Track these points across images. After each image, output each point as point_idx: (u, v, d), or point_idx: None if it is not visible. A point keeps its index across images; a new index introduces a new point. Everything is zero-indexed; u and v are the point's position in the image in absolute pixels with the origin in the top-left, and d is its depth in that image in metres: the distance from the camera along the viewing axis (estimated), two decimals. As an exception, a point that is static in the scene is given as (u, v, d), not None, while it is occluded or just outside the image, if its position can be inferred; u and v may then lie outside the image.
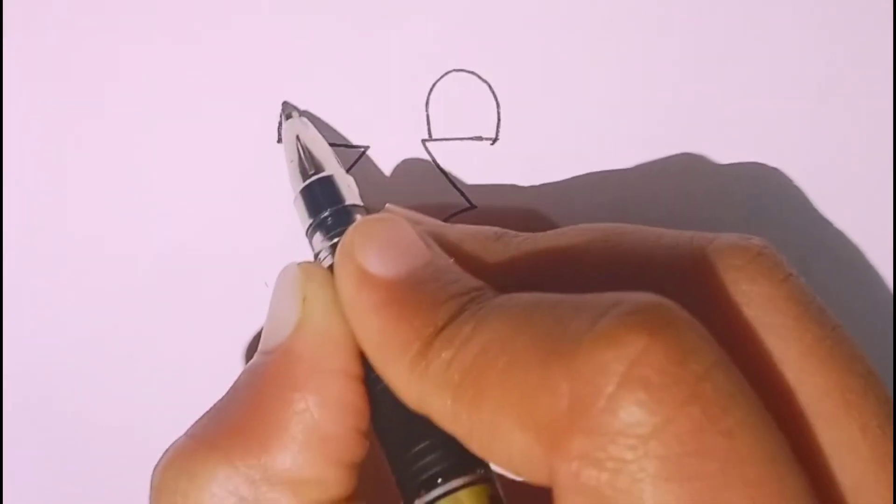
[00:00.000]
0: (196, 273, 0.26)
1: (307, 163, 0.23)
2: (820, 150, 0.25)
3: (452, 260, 0.19)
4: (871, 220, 0.25)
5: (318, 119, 0.25)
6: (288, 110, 0.24)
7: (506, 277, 0.19)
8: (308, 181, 0.23)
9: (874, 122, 0.25)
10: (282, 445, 0.18)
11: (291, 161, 0.23)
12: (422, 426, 0.18)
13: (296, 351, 0.19)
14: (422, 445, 0.18)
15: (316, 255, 0.22)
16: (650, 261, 0.19)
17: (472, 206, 0.26)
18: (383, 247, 0.19)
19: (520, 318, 0.16)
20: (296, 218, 0.25)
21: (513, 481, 0.18)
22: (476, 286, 0.18)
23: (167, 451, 0.19)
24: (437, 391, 0.17)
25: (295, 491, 0.18)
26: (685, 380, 0.15)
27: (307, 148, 0.23)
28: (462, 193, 0.26)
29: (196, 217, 0.26)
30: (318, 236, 0.22)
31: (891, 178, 0.25)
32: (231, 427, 0.19)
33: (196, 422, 0.19)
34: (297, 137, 0.23)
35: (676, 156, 0.25)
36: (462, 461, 0.18)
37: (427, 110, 0.25)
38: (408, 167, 0.25)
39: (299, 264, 0.20)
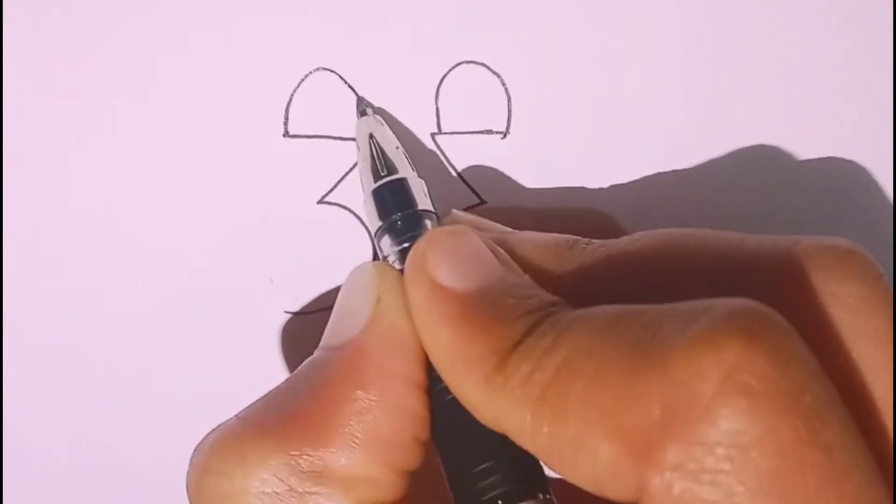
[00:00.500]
0: (199, 271, 0.25)
1: (380, 163, 0.22)
2: None
3: (527, 276, 0.18)
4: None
5: (327, 113, 0.24)
6: (362, 107, 0.24)
7: (581, 288, 0.19)
8: (380, 182, 0.22)
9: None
10: (340, 441, 0.18)
11: (364, 160, 0.22)
12: (486, 445, 0.18)
13: (366, 349, 0.19)
14: (484, 465, 0.18)
15: (384, 259, 0.21)
16: (734, 266, 0.18)
17: (483, 202, 0.25)
18: (455, 259, 0.18)
19: (604, 328, 0.16)
20: (296, 216, 0.25)
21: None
22: (552, 301, 0.17)
23: (213, 431, 0.19)
24: (516, 406, 0.16)
25: (345, 489, 0.18)
26: (786, 388, 0.14)
27: (381, 147, 0.22)
28: (471, 188, 0.25)
29: (199, 214, 0.25)
30: (386, 239, 0.21)
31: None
32: (289, 416, 0.18)
33: (249, 406, 0.19)
34: (371, 135, 0.22)
35: (690, 151, 0.25)
36: (525, 484, 0.18)
37: (436, 103, 0.25)
38: (416, 161, 0.25)
39: (374, 263, 0.20)
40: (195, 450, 0.19)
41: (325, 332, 0.20)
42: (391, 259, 0.21)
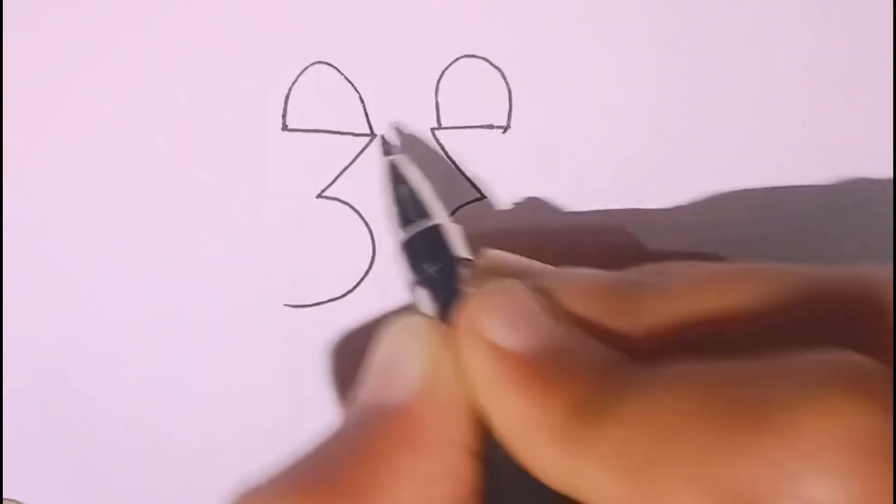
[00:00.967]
0: (198, 264, 0.25)
1: (411, 209, 0.21)
2: None
3: (580, 329, 0.18)
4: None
5: (326, 107, 0.24)
6: (388, 147, 0.23)
7: (639, 337, 0.18)
8: (413, 232, 0.21)
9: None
10: None
11: (394, 205, 0.21)
12: None
13: (418, 413, 0.18)
14: None
15: (418, 308, 0.20)
16: (808, 303, 0.17)
17: (483, 197, 0.25)
18: (511, 319, 0.17)
19: (687, 385, 0.15)
20: (295, 210, 0.24)
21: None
22: (614, 355, 0.17)
23: (246, 489, 0.17)
24: (594, 467, 0.15)
25: None
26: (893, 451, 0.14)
27: (413, 191, 0.21)
28: (472, 183, 0.25)
29: (198, 207, 0.25)
30: (423, 292, 0.20)
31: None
32: (331, 478, 0.17)
33: (284, 466, 0.18)
34: (401, 179, 0.22)
35: (691, 145, 0.25)
36: None
37: (436, 97, 0.24)
38: (416, 156, 0.25)
39: (422, 319, 0.19)
40: None
41: (367, 388, 0.19)
42: (430, 312, 0.20)
